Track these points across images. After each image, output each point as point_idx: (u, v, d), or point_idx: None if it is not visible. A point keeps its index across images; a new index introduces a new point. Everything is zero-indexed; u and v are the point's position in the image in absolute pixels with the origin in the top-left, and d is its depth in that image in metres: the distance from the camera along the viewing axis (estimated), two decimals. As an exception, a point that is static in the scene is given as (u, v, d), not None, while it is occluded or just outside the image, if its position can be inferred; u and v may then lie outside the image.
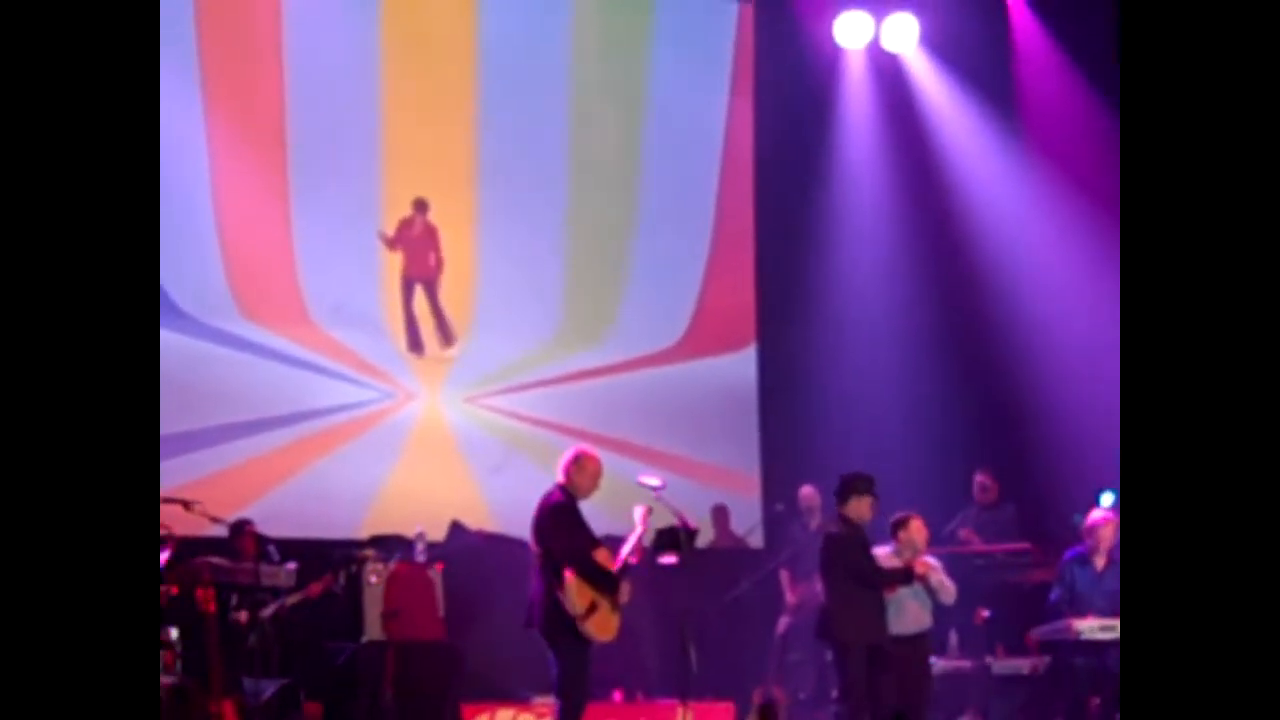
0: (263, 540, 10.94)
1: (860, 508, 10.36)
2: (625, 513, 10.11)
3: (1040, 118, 14.50)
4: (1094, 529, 11.06)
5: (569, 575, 9.17)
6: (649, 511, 9.63)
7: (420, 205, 13.28)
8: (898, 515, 10.63)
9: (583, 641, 9.23)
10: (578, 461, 9.58)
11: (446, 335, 13.30)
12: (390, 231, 13.19)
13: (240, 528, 10.90)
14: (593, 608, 9.20)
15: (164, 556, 9.68)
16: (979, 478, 13.17)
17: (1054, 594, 11.06)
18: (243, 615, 10.55)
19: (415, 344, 13.18)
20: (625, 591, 9.46)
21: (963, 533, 12.86)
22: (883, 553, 10.56)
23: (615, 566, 9.42)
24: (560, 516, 9.37)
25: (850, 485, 10.43)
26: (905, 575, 10.49)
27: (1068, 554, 11.17)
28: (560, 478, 9.55)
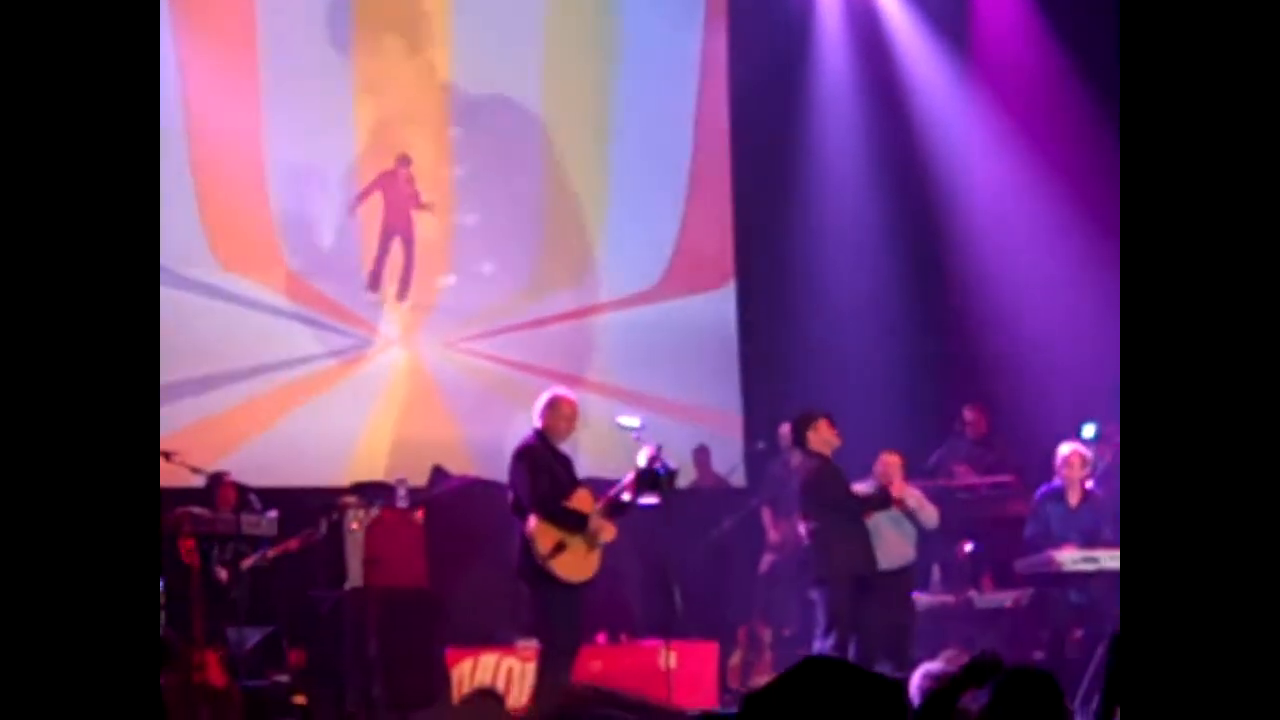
0: (243, 490, 10.93)
1: (820, 437, 10.39)
2: (608, 454, 10.09)
3: (992, 58, 14.50)
4: (1065, 463, 11.07)
5: (532, 517, 9.19)
6: (657, 451, 9.59)
7: (403, 159, 13.19)
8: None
9: (556, 582, 9.24)
10: (551, 404, 9.59)
11: (404, 289, 13.19)
12: (369, 182, 13.11)
13: (218, 479, 10.88)
14: (559, 547, 9.21)
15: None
16: (968, 413, 13.18)
17: (1028, 530, 11.09)
18: (223, 572, 10.56)
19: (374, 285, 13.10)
20: (609, 531, 9.47)
21: (958, 468, 12.87)
22: (859, 487, 10.62)
23: (599, 505, 9.42)
24: (523, 459, 9.40)
25: (800, 423, 10.48)
26: (882, 498, 10.55)
27: (1041, 490, 11.19)
28: (535, 421, 9.55)
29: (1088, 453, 11.30)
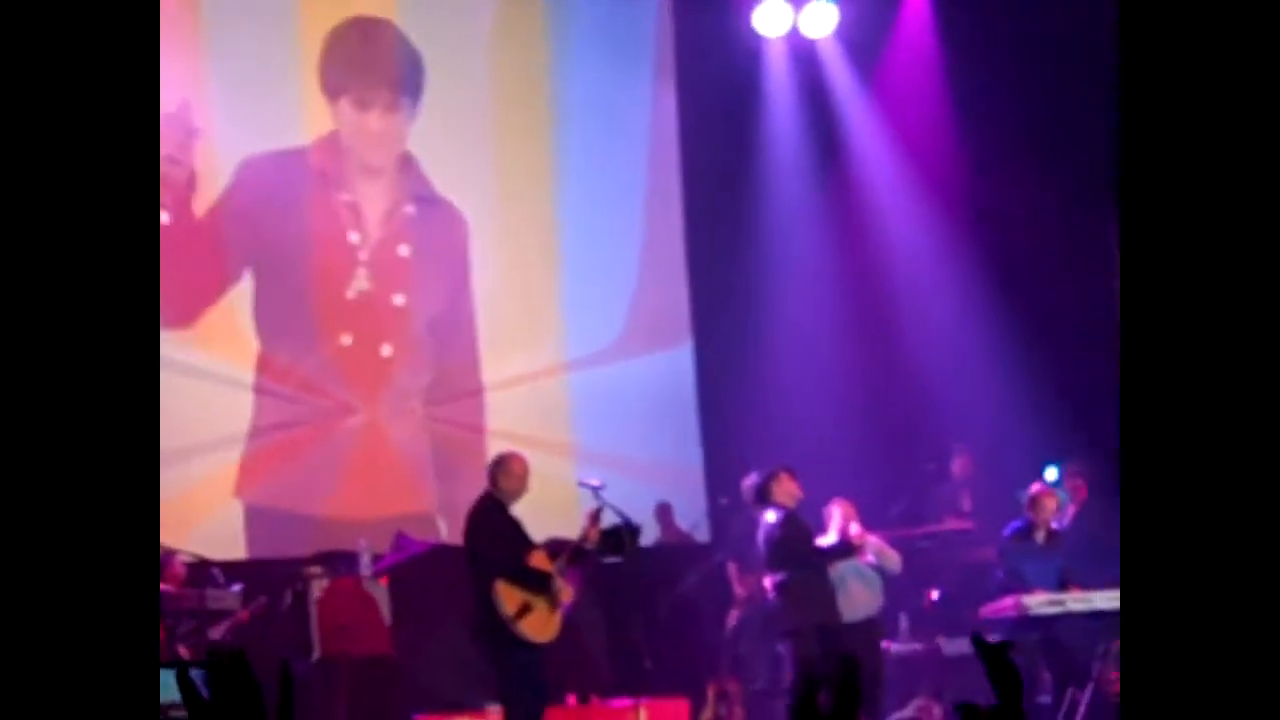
0: (202, 565, 10.88)
1: (783, 490, 10.44)
2: (566, 515, 10.08)
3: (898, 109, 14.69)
4: (1035, 501, 11.09)
5: (497, 579, 9.18)
6: (597, 512, 9.62)
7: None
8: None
9: (521, 644, 9.22)
10: (501, 464, 9.60)
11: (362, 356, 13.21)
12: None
13: (167, 557, 10.77)
14: (525, 609, 9.19)
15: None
16: (957, 457, 13.36)
17: (999, 573, 11.09)
18: (183, 649, 10.49)
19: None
20: (568, 592, 9.46)
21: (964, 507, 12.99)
22: (822, 539, 10.66)
23: (558, 563, 9.42)
24: (478, 521, 9.40)
25: (761, 481, 10.53)
26: (845, 548, 10.58)
27: (1007, 529, 11.21)
28: (487, 482, 9.56)
29: (1058, 494, 11.36)
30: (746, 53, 14.71)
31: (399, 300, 13.21)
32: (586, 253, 14.05)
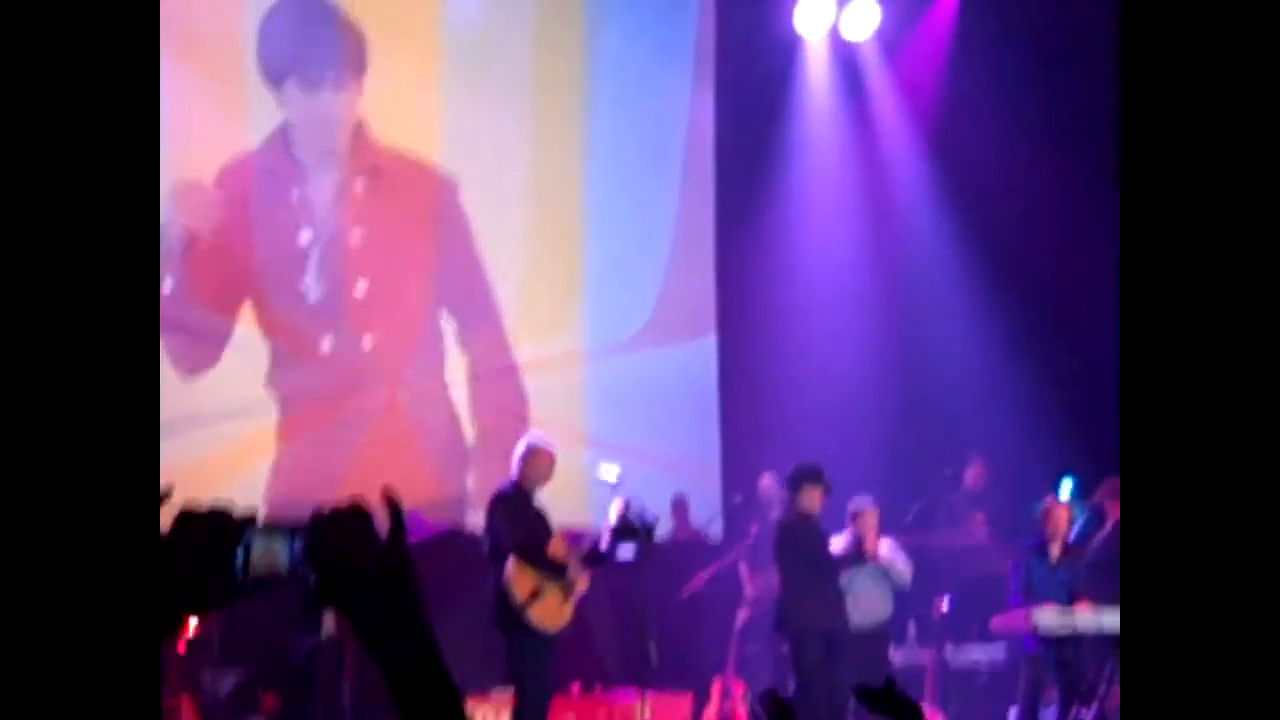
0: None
1: (810, 498, 10.45)
2: (584, 503, 10.09)
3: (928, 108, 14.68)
4: (1048, 515, 11.08)
5: (510, 564, 9.22)
6: (632, 503, 9.64)
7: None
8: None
9: (531, 631, 9.25)
10: (528, 454, 9.64)
11: (382, 334, 13.12)
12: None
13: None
14: (535, 595, 9.22)
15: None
16: (972, 466, 13.36)
17: (1012, 585, 11.08)
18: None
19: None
20: (583, 582, 9.49)
21: (978, 518, 12.97)
22: (836, 540, 10.66)
23: (577, 555, 9.44)
24: (499, 507, 9.44)
25: (802, 475, 10.53)
26: (857, 554, 10.59)
27: (1023, 545, 11.20)
28: (512, 470, 9.59)
29: (1072, 510, 11.33)
30: (785, 51, 14.72)
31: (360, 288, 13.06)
32: (616, 242, 14.05)
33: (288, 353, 12.53)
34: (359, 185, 13.01)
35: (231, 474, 12.18)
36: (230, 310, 12.33)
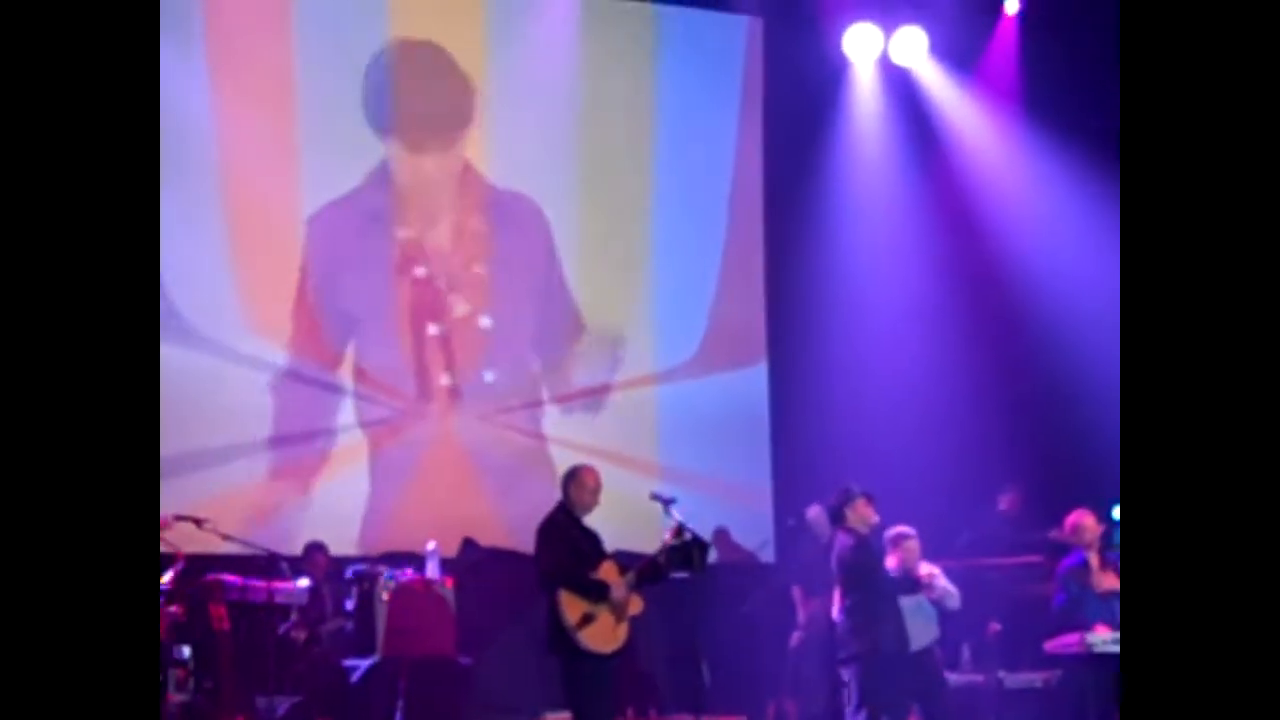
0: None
1: (857, 515, 10.37)
2: (637, 528, 10.09)
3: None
4: (1077, 529, 10.98)
5: (560, 589, 9.22)
6: (678, 529, 9.62)
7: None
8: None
9: (585, 654, 9.23)
10: (574, 477, 9.63)
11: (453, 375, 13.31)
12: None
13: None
14: (587, 619, 9.20)
15: (171, 575, 9.76)
16: (1007, 493, 13.33)
17: (1058, 599, 10.98)
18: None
19: (424, 389, 13.20)
20: (636, 604, 9.47)
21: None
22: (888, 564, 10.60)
23: (626, 577, 9.41)
24: (546, 532, 9.44)
25: (838, 502, 10.47)
26: (908, 582, 10.49)
27: (1068, 561, 11.08)
28: (559, 494, 9.61)
29: (1097, 522, 11.17)
30: (835, 76, 14.72)
31: (485, 322, 13.36)
32: (669, 270, 14.11)
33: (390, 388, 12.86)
34: (473, 222, 13.42)
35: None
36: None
